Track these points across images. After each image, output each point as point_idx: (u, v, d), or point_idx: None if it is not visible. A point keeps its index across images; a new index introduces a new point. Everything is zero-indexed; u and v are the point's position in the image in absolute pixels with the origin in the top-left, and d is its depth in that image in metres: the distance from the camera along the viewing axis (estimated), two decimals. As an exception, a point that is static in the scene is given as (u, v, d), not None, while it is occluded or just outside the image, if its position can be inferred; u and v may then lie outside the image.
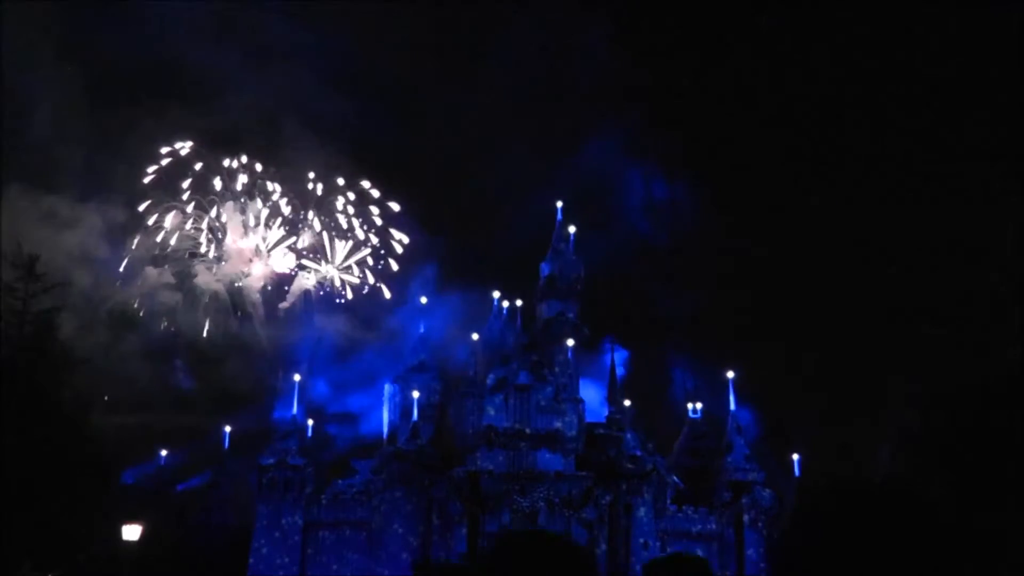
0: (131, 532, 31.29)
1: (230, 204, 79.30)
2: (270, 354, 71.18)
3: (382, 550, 49.65)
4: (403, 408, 54.59)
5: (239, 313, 77.26)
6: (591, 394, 56.70)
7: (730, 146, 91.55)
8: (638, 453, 51.26)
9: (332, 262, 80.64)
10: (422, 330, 58.69)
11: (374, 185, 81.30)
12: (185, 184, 78.12)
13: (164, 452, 57.59)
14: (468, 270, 66.73)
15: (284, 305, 78.82)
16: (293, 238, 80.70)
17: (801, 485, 52.22)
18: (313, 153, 78.46)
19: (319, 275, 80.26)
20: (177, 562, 45.77)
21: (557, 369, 54.20)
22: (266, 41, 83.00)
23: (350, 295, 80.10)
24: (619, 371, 57.92)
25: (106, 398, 53.96)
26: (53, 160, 68.27)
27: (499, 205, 78.16)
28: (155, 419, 59.26)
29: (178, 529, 49.20)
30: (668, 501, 52.37)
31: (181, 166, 78.40)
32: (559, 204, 60.53)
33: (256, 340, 74.73)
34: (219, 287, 77.46)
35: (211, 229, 78.98)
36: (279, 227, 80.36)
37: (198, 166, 78.61)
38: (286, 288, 79.69)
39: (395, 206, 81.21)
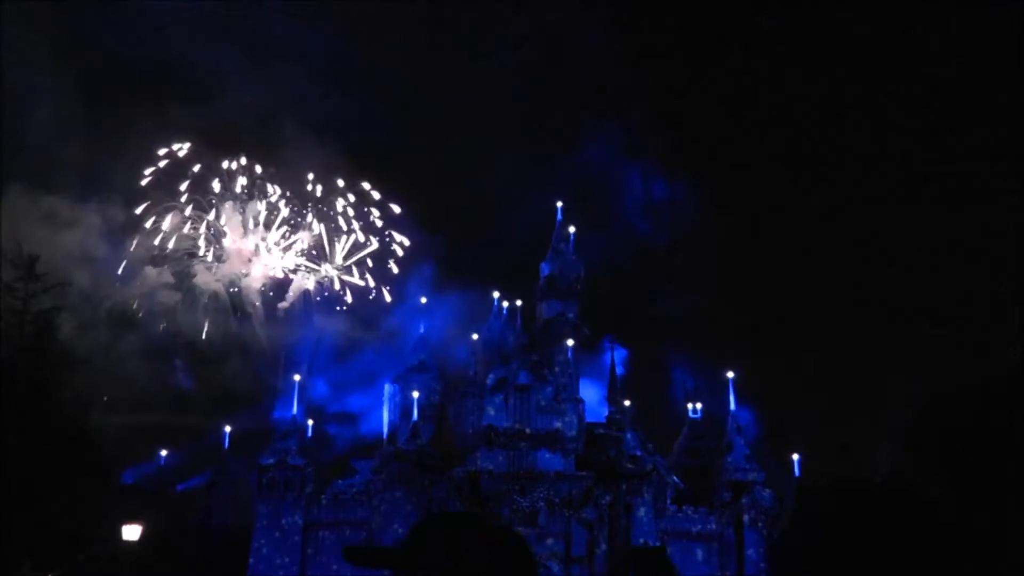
0: (131, 532, 31.34)
1: (229, 204, 79.25)
2: (270, 354, 71.15)
3: (382, 550, 49.61)
4: (403, 408, 54.58)
5: (238, 313, 77.22)
6: (591, 394, 56.71)
7: (730, 146, 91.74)
8: (638, 453, 51.24)
9: (332, 262, 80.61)
10: (422, 330, 58.72)
11: (374, 186, 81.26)
12: (183, 186, 78.12)
13: (164, 452, 57.63)
14: (468, 270, 66.74)
15: (283, 305, 78.76)
16: (292, 238, 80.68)
17: (801, 485, 52.22)
18: (312, 153, 78.41)
19: (318, 275, 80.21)
20: (177, 562, 45.74)
21: (557, 369, 54.20)
22: (265, 41, 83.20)
23: (350, 299, 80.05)
24: (619, 371, 57.98)
25: (106, 398, 53.94)
26: (53, 160, 68.31)
27: (499, 205, 78.27)
28: (155, 419, 59.28)
29: (178, 529, 49.17)
30: (668, 501, 52.36)
31: (180, 166, 78.40)
32: (559, 204, 60.66)
33: (256, 340, 74.71)
34: (218, 287, 77.43)
35: (210, 229, 78.96)
36: (278, 228, 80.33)
37: (197, 167, 78.60)
38: (286, 288, 79.67)
39: (396, 208, 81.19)
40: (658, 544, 49.80)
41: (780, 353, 70.12)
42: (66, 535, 35.16)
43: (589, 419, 53.83)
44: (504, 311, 58.17)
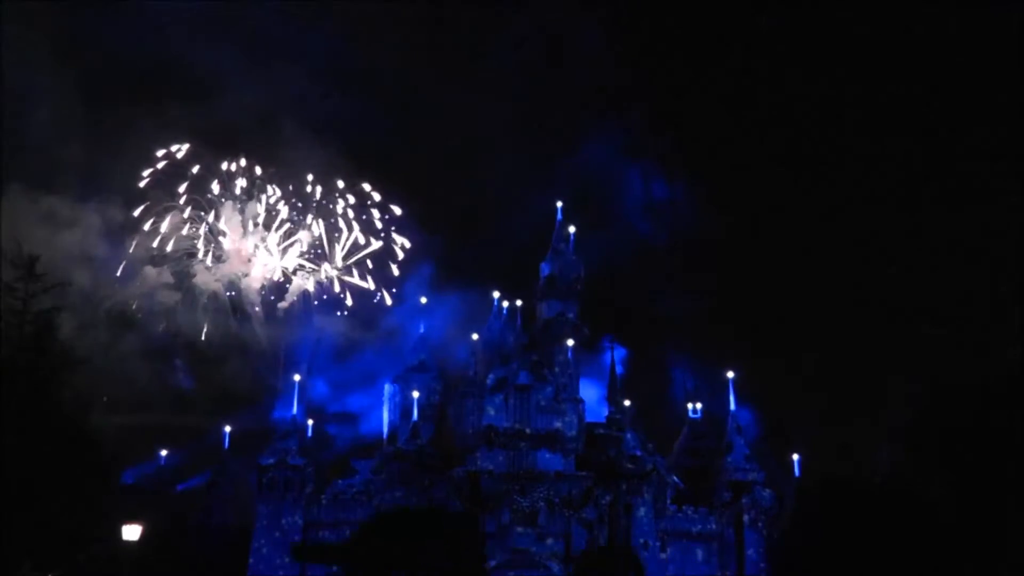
0: (131, 532, 31.25)
1: (228, 204, 79.23)
2: (270, 354, 71.16)
3: (382, 550, 49.65)
4: (403, 408, 54.63)
5: (238, 313, 77.18)
6: (591, 394, 56.74)
7: (730, 146, 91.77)
8: (638, 453, 51.25)
9: (332, 262, 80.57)
10: (422, 330, 58.79)
11: (374, 186, 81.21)
12: (183, 186, 78.06)
13: (164, 452, 57.66)
14: (468, 270, 66.82)
15: (283, 305, 78.73)
16: (292, 239, 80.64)
17: (801, 485, 52.25)
18: (312, 153, 78.40)
19: (318, 276, 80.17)
20: (177, 562, 45.76)
21: (557, 369, 54.23)
22: (265, 41, 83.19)
23: (350, 301, 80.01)
24: (619, 371, 57.95)
25: (106, 398, 53.86)
26: (53, 160, 68.35)
27: (499, 205, 78.30)
28: (155, 419, 59.34)
29: (178, 529, 49.17)
30: (668, 501, 52.38)
31: (180, 166, 78.35)
32: (559, 204, 60.72)
33: (255, 340, 74.68)
34: (218, 287, 77.39)
35: (210, 230, 78.92)
36: (277, 228, 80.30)
37: (196, 168, 78.55)
38: (286, 288, 79.63)
39: (396, 209, 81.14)
40: (657, 544, 49.86)
41: (780, 353, 70.26)
42: (66, 535, 35.16)
43: (589, 419, 53.86)
44: (504, 311, 58.19)
